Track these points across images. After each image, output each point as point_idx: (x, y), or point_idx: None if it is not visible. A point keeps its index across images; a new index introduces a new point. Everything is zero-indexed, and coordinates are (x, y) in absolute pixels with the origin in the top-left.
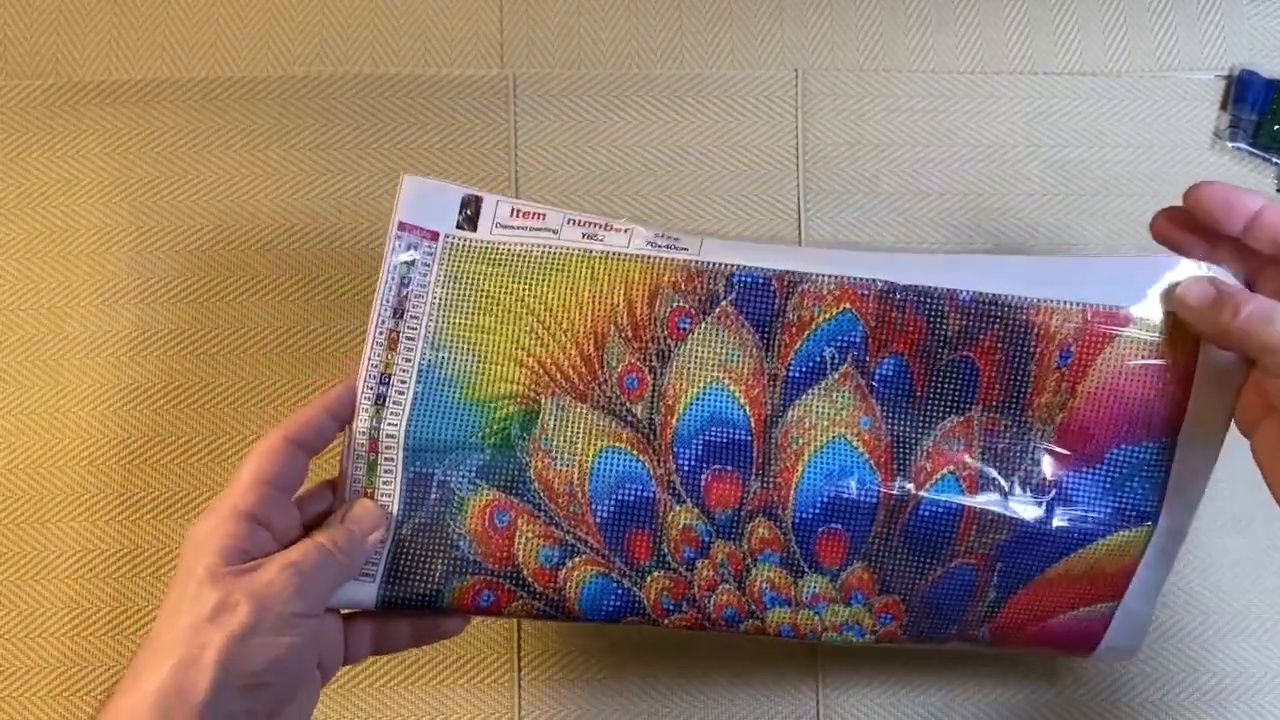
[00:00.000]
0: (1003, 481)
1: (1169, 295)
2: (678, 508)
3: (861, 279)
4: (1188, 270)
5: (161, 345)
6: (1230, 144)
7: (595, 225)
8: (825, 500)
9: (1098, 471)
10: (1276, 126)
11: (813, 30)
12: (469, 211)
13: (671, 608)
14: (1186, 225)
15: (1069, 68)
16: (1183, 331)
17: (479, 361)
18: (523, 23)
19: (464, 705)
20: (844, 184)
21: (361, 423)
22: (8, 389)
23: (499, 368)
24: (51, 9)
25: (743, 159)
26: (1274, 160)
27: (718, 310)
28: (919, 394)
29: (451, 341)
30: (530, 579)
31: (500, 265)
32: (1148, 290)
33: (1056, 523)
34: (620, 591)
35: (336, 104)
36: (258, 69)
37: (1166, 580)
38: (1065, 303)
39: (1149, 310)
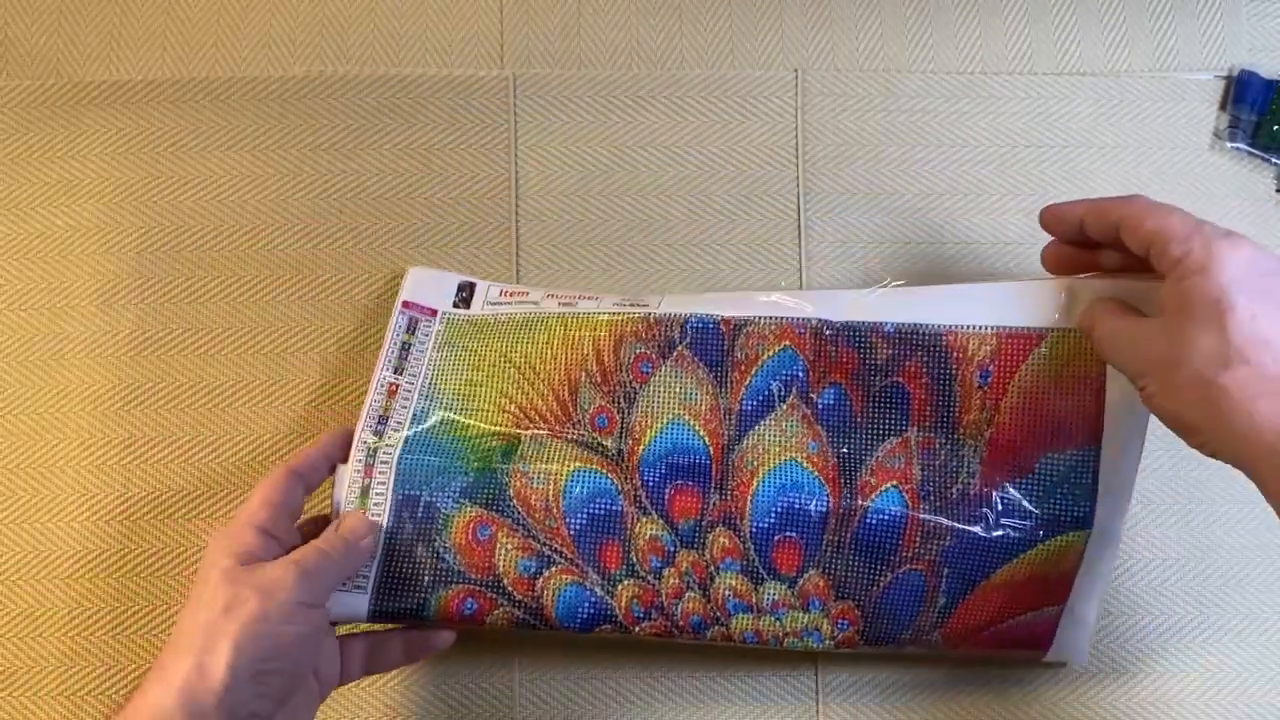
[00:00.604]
0: (942, 494)
1: (1074, 313)
2: (644, 519)
3: (798, 319)
4: (1088, 287)
5: (161, 345)
6: (1230, 144)
7: (570, 296)
8: (780, 510)
9: (1030, 481)
10: (1276, 126)
11: (813, 30)
12: (465, 294)
13: (641, 615)
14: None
15: (1069, 68)
16: (1086, 361)
17: (467, 411)
18: (523, 23)
19: (462, 705)
20: (844, 184)
21: (359, 453)
22: (8, 389)
23: (485, 414)
24: (52, 9)
25: (743, 159)
26: (1273, 160)
27: (675, 354)
28: (859, 419)
29: (444, 395)
30: (510, 587)
31: (488, 331)
32: (1055, 310)
33: (996, 531)
34: (593, 599)
35: (336, 104)
36: (258, 69)
37: (1107, 586)
38: (980, 327)
39: (1058, 328)
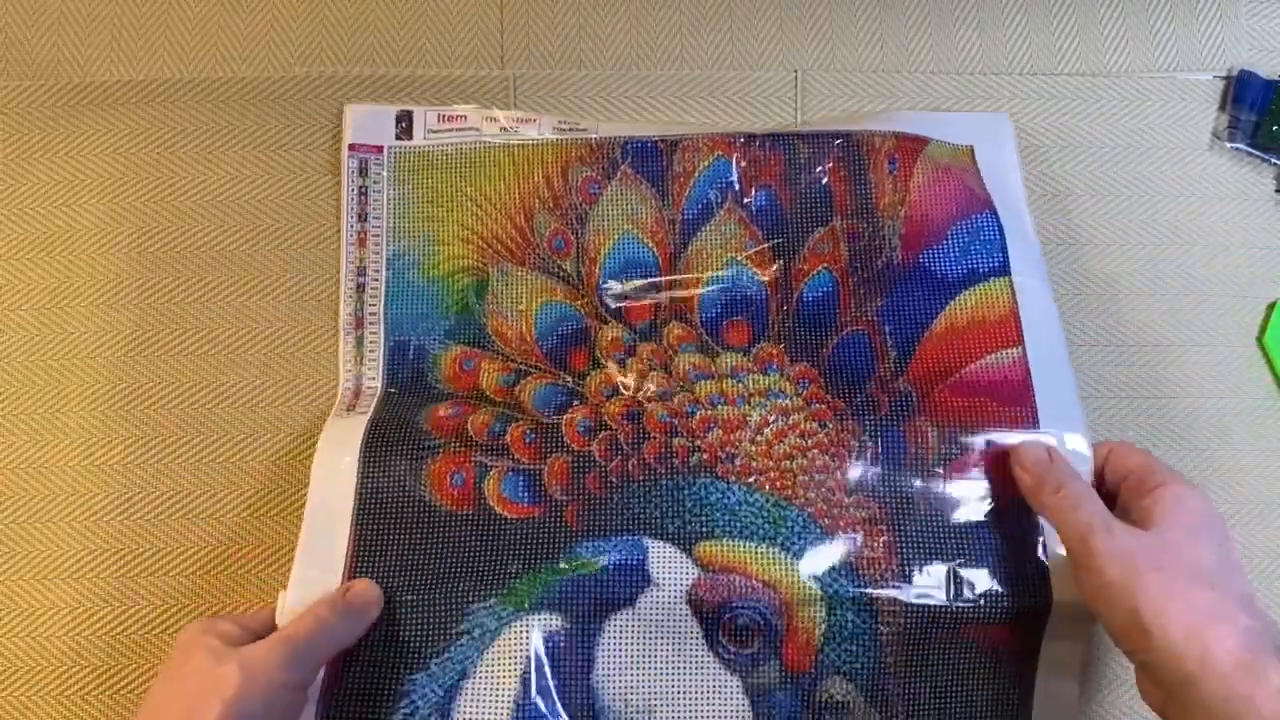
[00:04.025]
0: (869, 268)
1: (964, 136)
2: (605, 328)
3: (727, 133)
4: (984, 123)
5: (162, 345)
6: (1229, 144)
7: (510, 119)
8: (724, 303)
9: (945, 246)
10: (1275, 127)
11: (813, 31)
12: (404, 124)
13: (609, 394)
14: None
15: (1069, 68)
16: (963, 150)
17: (433, 245)
18: (523, 23)
19: None
20: None
21: (347, 307)
22: (8, 389)
23: (450, 247)
24: (52, 10)
25: None
26: (1272, 160)
27: (619, 173)
28: (790, 216)
29: (409, 233)
30: (490, 394)
31: (438, 166)
32: (947, 132)
33: (925, 288)
34: (566, 390)
35: (337, 104)
36: (258, 69)
37: (1064, 343)
38: (881, 131)
39: (934, 139)
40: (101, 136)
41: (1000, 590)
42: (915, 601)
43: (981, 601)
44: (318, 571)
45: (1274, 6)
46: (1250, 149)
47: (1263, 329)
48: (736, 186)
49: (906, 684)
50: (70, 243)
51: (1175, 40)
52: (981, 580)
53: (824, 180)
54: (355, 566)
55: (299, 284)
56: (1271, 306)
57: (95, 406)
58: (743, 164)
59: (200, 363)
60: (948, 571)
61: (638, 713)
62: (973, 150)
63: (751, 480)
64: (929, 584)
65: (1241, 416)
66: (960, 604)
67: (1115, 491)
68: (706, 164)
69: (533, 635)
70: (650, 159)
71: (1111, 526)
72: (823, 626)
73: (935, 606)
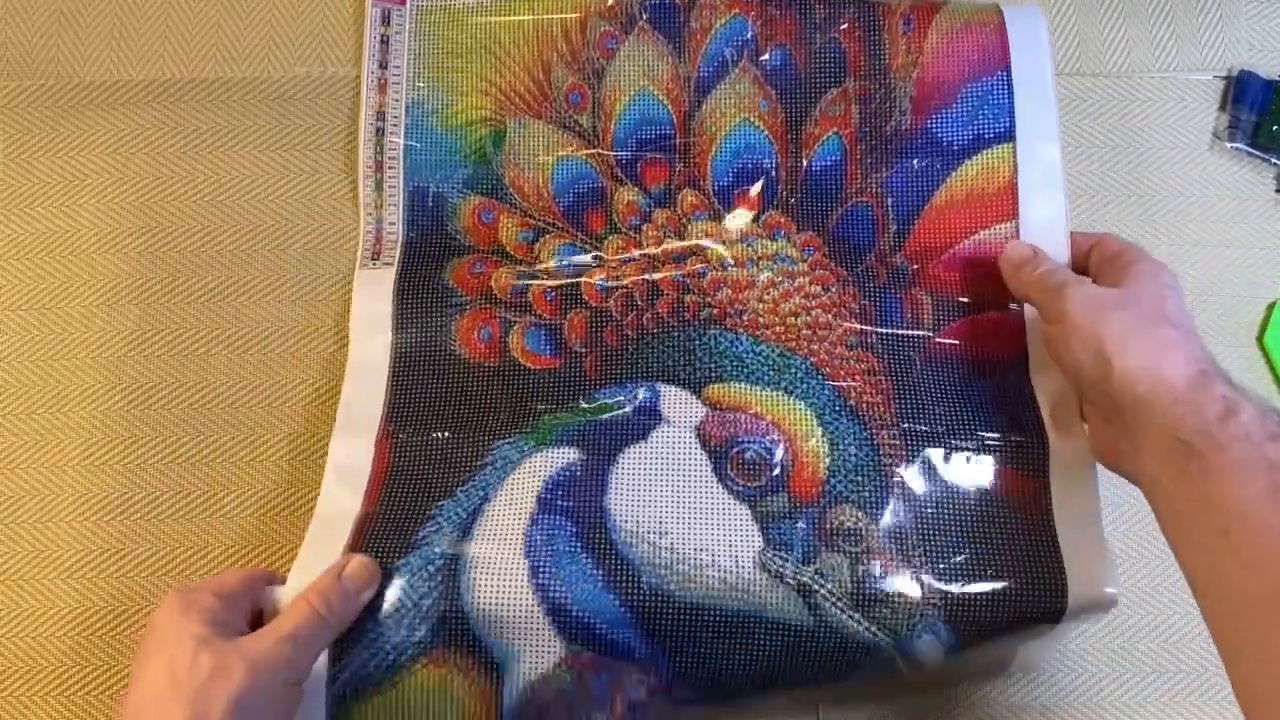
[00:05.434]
0: (878, 134)
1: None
2: (621, 189)
3: None
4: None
5: (162, 345)
6: (1229, 144)
7: None
8: (736, 170)
9: (954, 109)
10: (1275, 127)
11: None
12: None
13: (627, 259)
14: None
15: (1069, 68)
16: (989, 8)
17: (452, 94)
18: None
19: None
20: None
21: (367, 151)
22: (9, 389)
23: (469, 98)
24: (52, 9)
25: None
26: (1273, 160)
27: (637, 28)
28: (803, 75)
29: (429, 82)
30: (512, 252)
31: (459, 18)
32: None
33: (929, 156)
34: (584, 253)
35: (337, 104)
36: (259, 69)
37: (1064, 211)
38: None
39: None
40: (101, 136)
41: (995, 435)
42: (913, 443)
43: (978, 444)
44: (358, 412)
45: (1274, 6)
46: (1250, 149)
47: (1263, 329)
48: (752, 45)
49: (916, 516)
50: (70, 243)
51: (1175, 40)
52: (977, 425)
53: (839, 40)
54: (392, 414)
55: (300, 284)
56: (1271, 306)
57: (95, 406)
58: (759, 23)
59: (200, 363)
60: (943, 416)
61: (650, 532)
62: (999, 7)
63: (758, 333)
64: (924, 428)
65: None
66: (957, 446)
67: (1095, 275)
68: (723, 21)
69: (551, 464)
70: (668, 15)
71: (1083, 281)
72: (826, 460)
73: (933, 450)
